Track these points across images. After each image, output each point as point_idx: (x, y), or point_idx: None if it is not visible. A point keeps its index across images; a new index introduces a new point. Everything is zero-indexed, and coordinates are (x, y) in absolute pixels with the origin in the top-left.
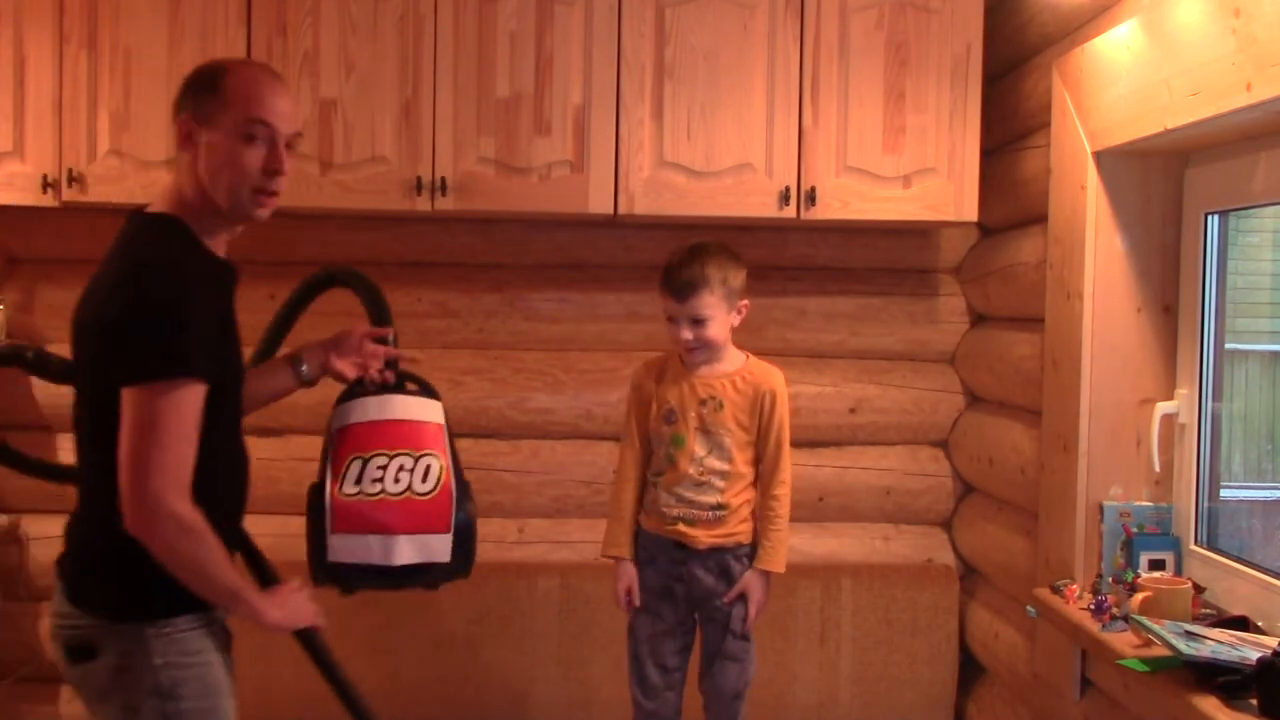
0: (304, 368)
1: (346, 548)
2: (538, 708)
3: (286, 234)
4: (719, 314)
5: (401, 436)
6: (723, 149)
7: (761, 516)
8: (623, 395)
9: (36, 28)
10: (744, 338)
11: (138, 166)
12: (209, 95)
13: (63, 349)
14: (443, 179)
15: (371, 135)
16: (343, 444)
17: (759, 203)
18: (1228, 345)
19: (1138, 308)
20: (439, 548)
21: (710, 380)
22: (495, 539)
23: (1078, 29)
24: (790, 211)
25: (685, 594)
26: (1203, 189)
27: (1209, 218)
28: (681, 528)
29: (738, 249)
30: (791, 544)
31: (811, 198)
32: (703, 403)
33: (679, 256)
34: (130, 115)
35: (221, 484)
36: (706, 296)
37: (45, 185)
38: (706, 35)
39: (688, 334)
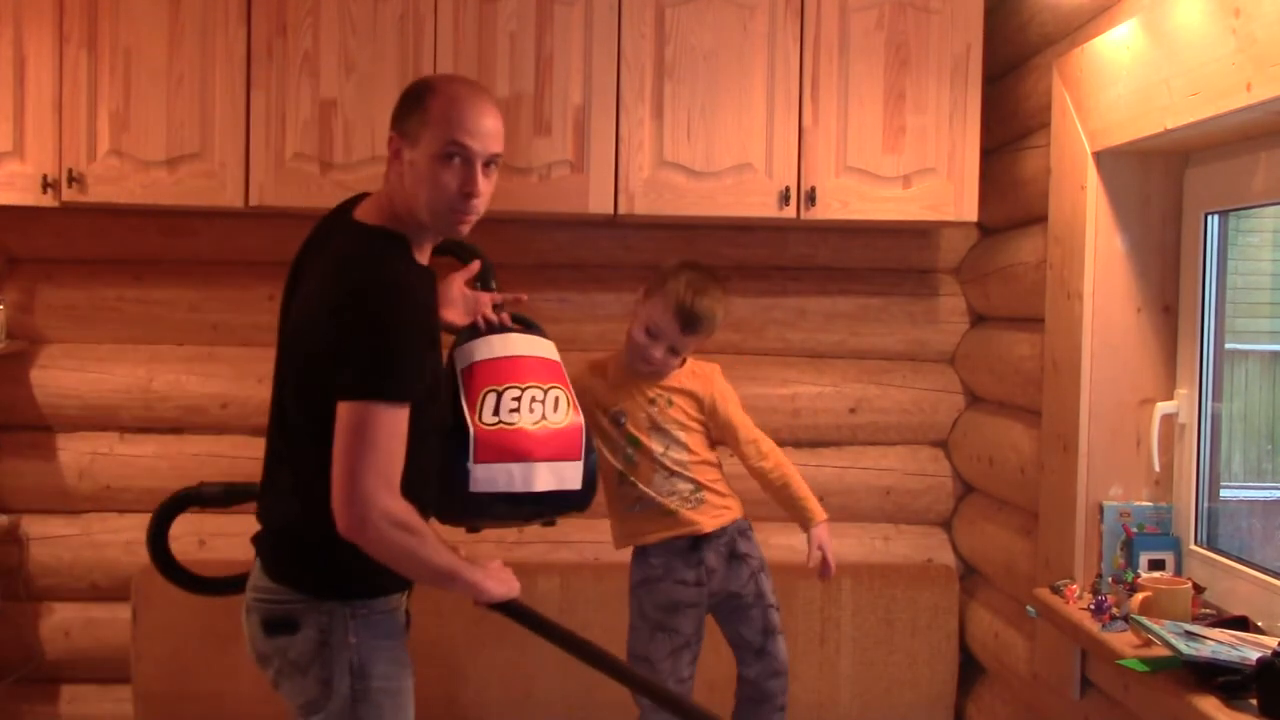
0: None
1: (489, 477)
2: (538, 708)
3: (287, 234)
4: (692, 350)
5: (527, 370)
6: (723, 149)
7: (776, 489)
8: None
9: (36, 28)
10: (744, 338)
11: (138, 166)
12: (415, 113)
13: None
14: None
15: (372, 135)
16: (473, 379)
17: (759, 203)
18: (1228, 345)
19: (1138, 308)
20: (571, 475)
21: (654, 380)
22: (495, 539)
23: (1078, 29)
24: (790, 211)
25: (701, 597)
26: (1203, 189)
27: (1209, 218)
28: (686, 514)
29: (737, 248)
30: (791, 544)
31: (811, 198)
32: (651, 402)
33: (698, 285)
34: (130, 115)
35: (424, 481)
36: (700, 337)
37: (45, 185)
38: (706, 35)
39: (658, 354)
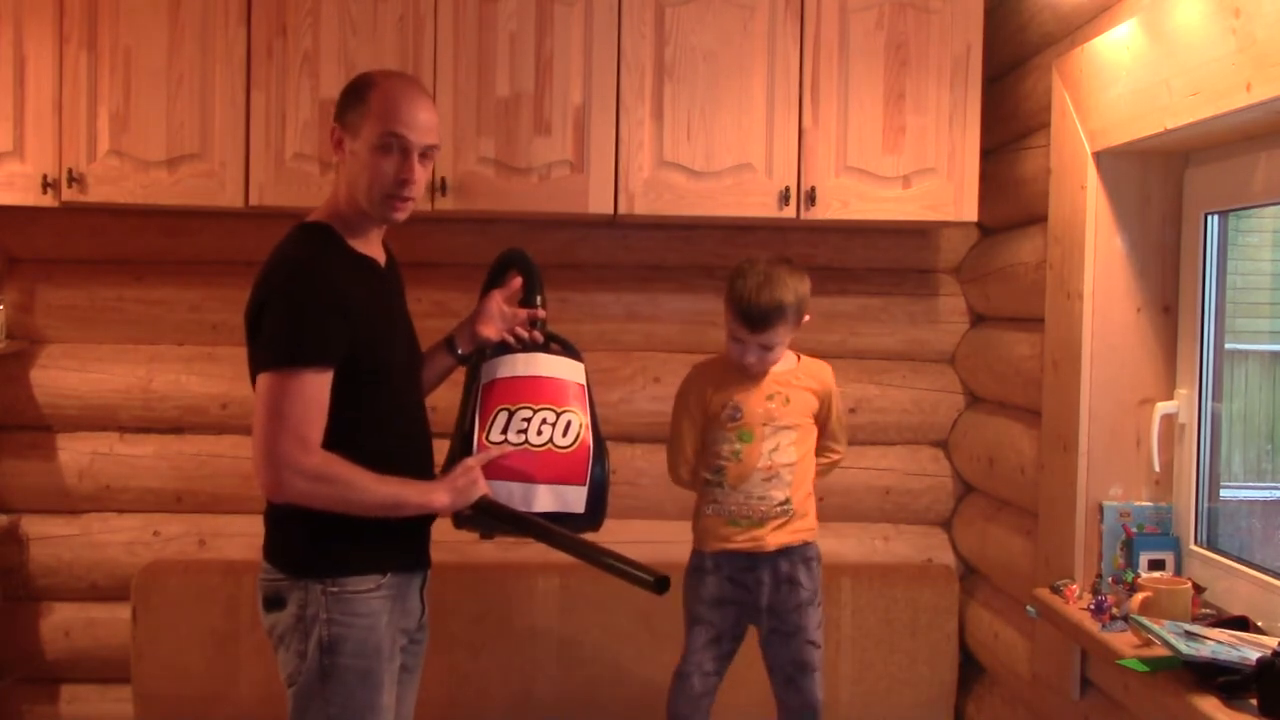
0: (458, 348)
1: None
2: (538, 708)
3: None
4: (787, 338)
5: (546, 392)
6: (723, 149)
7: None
8: (623, 395)
9: (36, 28)
10: None
11: (138, 166)
12: (356, 106)
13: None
14: (443, 179)
15: None
16: (491, 396)
17: (759, 203)
18: (1228, 345)
19: (1138, 308)
20: (574, 499)
21: (773, 377)
22: (496, 538)
23: (1078, 29)
24: (790, 211)
25: (745, 600)
26: (1203, 189)
27: (1209, 218)
28: (752, 533)
29: (738, 248)
30: None
31: (811, 198)
32: (770, 398)
33: (754, 280)
34: (130, 115)
35: (396, 464)
36: (781, 327)
37: (45, 185)
38: (706, 35)
39: (753, 358)
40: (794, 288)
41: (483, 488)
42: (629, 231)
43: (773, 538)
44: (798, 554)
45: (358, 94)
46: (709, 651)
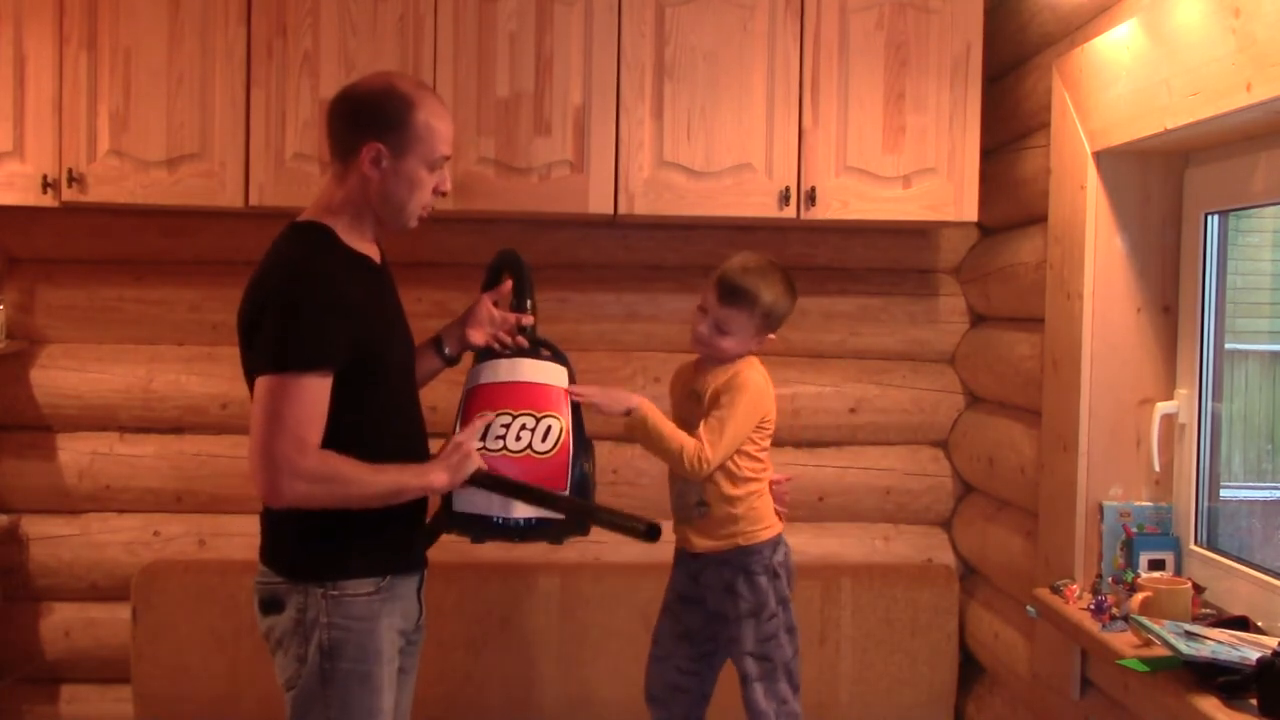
0: (445, 349)
1: (470, 499)
2: (538, 708)
3: None
4: (744, 334)
5: (527, 398)
6: (722, 149)
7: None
8: None
9: (36, 28)
10: None
11: (138, 166)
12: (401, 129)
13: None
14: None
15: None
16: (473, 403)
17: (759, 203)
18: (1228, 345)
19: (1138, 308)
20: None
21: (702, 376)
22: (487, 543)
23: (1078, 29)
24: (790, 211)
25: (701, 599)
26: (1203, 189)
27: (1209, 218)
28: (683, 530)
29: (738, 249)
30: (791, 544)
31: (811, 198)
32: (690, 396)
33: (749, 262)
34: (130, 115)
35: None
36: (744, 314)
37: (45, 185)
38: (706, 35)
39: (704, 329)
40: (776, 293)
41: (476, 461)
42: (629, 231)
43: (698, 540)
44: (736, 561)
45: (398, 115)
46: (681, 646)
